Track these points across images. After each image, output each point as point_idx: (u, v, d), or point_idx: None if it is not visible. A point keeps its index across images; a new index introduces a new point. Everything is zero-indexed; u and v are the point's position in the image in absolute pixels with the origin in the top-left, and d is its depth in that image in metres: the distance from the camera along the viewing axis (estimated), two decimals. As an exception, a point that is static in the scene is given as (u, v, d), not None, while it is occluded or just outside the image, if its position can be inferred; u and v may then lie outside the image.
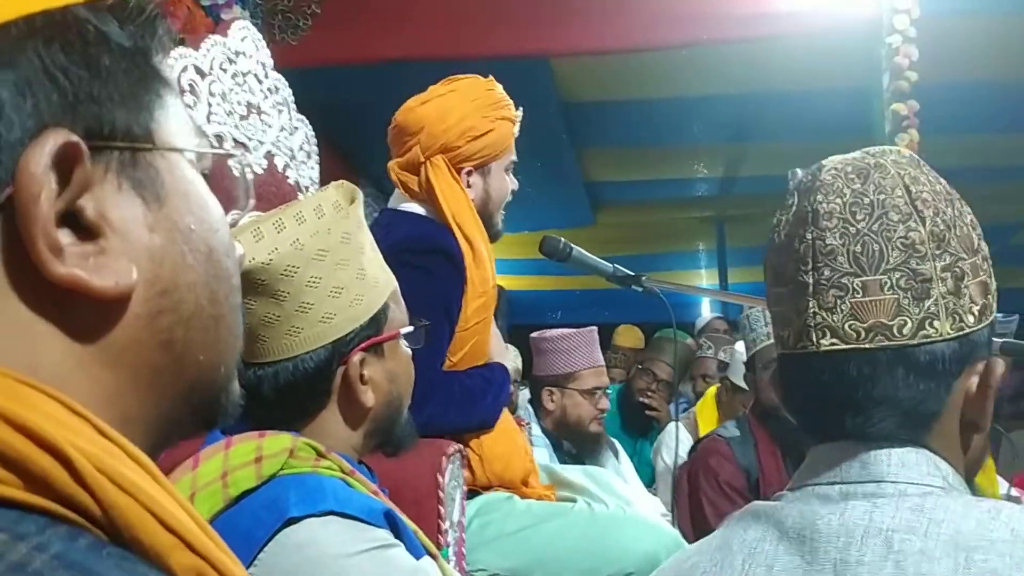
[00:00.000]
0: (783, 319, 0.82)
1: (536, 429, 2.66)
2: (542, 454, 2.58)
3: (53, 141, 0.40)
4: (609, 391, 2.89)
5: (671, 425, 3.15)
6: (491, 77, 1.94)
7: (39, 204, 0.39)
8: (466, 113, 1.86)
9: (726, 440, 2.60)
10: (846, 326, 0.77)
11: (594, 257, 1.82)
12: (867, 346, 0.76)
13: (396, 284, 1.19)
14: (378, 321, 1.13)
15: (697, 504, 2.55)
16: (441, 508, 1.46)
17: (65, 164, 0.40)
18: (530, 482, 1.86)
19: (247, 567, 0.93)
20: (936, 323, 0.77)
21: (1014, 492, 2.78)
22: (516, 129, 1.94)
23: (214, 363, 0.48)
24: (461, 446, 1.59)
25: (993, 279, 0.82)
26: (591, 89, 4.95)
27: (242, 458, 0.99)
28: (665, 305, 1.83)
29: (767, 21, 4.07)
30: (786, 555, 0.75)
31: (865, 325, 0.76)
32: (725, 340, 3.85)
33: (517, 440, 1.85)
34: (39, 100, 0.40)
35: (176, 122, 0.47)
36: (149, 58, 0.46)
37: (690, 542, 2.61)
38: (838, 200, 0.78)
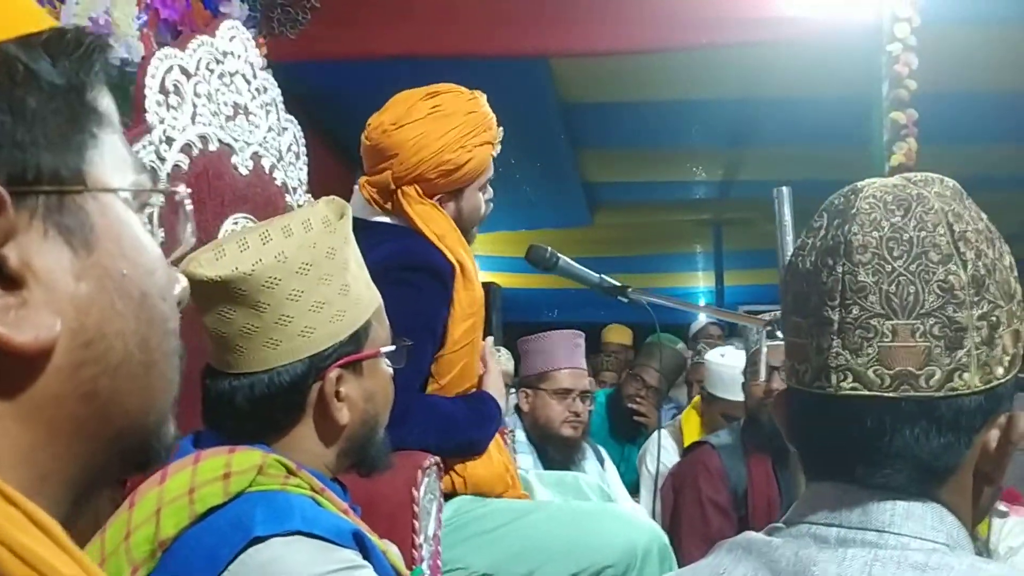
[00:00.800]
0: (800, 352, 0.76)
1: (520, 435, 2.64)
2: (526, 460, 2.57)
3: None
4: (595, 395, 2.86)
5: (657, 433, 3.14)
6: (475, 93, 1.87)
7: None
8: (443, 146, 1.78)
9: (717, 450, 2.56)
10: (870, 371, 0.71)
11: (580, 267, 1.81)
12: (891, 395, 0.71)
13: (380, 302, 1.18)
14: (359, 338, 1.12)
15: (676, 518, 2.54)
16: (416, 523, 1.44)
17: None
18: (507, 495, 1.84)
19: (211, 586, 0.92)
20: (965, 375, 0.71)
21: (1002, 507, 2.77)
22: (496, 148, 1.88)
23: (143, 410, 0.46)
24: (438, 459, 1.57)
25: None
26: (590, 90, 4.93)
27: (210, 474, 0.98)
28: (653, 315, 1.83)
29: (768, 26, 4.05)
30: None
31: (891, 372, 0.71)
32: (719, 345, 3.84)
33: (501, 461, 1.83)
34: None
35: (111, 160, 0.46)
36: (83, 95, 0.44)
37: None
38: (875, 233, 0.72)
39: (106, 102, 0.47)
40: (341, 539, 0.97)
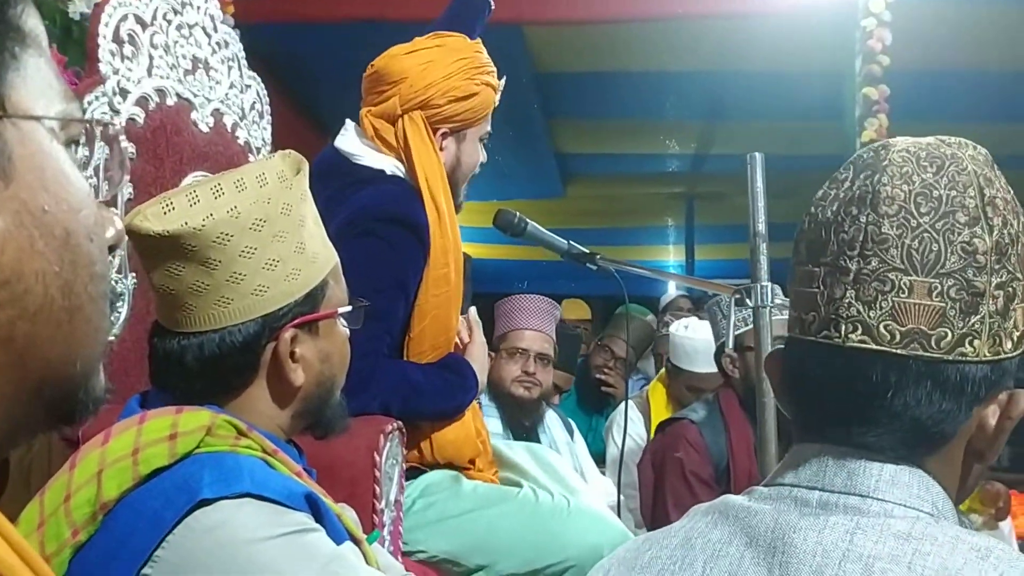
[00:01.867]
0: (809, 301, 0.74)
1: (484, 398, 2.59)
2: (494, 424, 2.53)
3: None
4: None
5: (623, 404, 3.13)
6: (479, 40, 1.85)
7: None
8: (451, 72, 1.76)
9: (696, 424, 2.52)
10: (882, 325, 0.69)
11: (549, 233, 1.78)
12: (900, 351, 0.69)
13: (337, 260, 1.14)
14: (314, 298, 1.08)
15: (660, 493, 2.50)
16: (377, 488, 1.41)
17: None
18: (478, 463, 1.81)
19: (154, 550, 0.88)
20: (976, 342, 0.69)
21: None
22: (497, 99, 1.85)
23: (67, 359, 0.43)
24: (400, 423, 1.54)
25: None
26: (565, 59, 4.89)
27: (156, 434, 0.94)
28: (621, 283, 1.80)
29: (744, -2, 4.03)
30: (752, 564, 0.70)
31: (903, 329, 0.69)
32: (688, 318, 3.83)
33: (471, 425, 1.79)
34: None
35: (36, 85, 0.42)
36: (4, 11, 0.40)
37: (648, 528, 2.61)
38: (904, 187, 0.70)
39: (33, 22, 0.42)
40: (292, 502, 0.94)
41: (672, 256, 9.94)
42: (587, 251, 1.77)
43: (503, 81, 1.86)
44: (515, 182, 6.34)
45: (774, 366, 0.80)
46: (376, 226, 1.63)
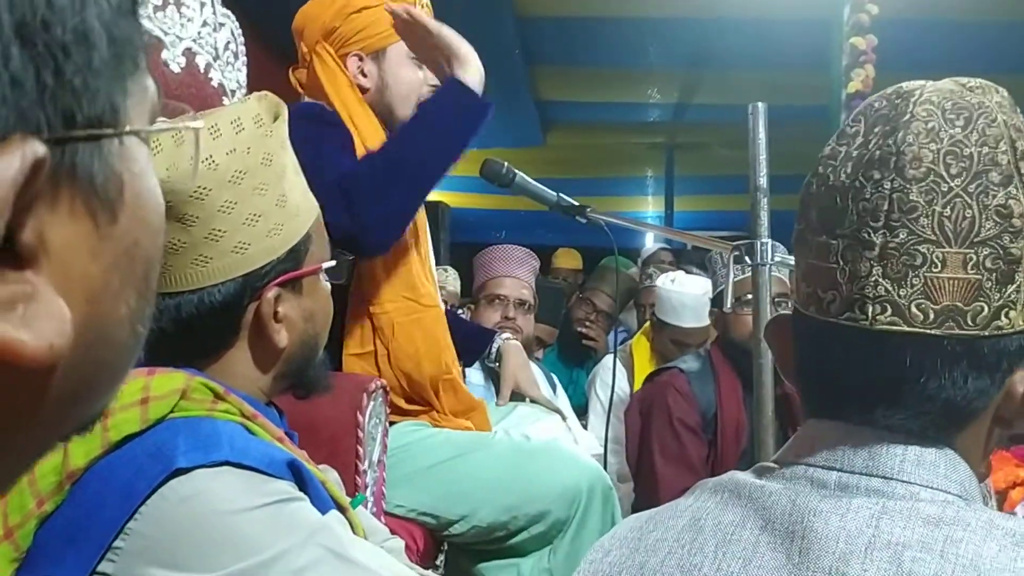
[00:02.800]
0: (826, 277, 0.67)
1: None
2: (476, 375, 2.50)
3: (21, 159, 0.28)
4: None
5: (607, 358, 3.11)
6: None
7: None
8: None
9: (685, 374, 2.51)
10: (914, 305, 0.63)
11: (538, 184, 1.71)
12: (934, 332, 0.63)
13: (319, 212, 1.07)
14: (297, 254, 1.01)
15: (646, 441, 2.49)
16: (360, 448, 1.37)
17: (24, 186, 0.28)
18: (446, 403, 1.73)
19: (125, 522, 0.83)
20: (1012, 313, 0.63)
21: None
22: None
23: (110, 394, 0.37)
24: (384, 381, 1.48)
25: None
26: (547, 4, 4.78)
27: (126, 398, 0.88)
28: (611, 237, 1.75)
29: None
30: (768, 550, 0.64)
31: (937, 307, 0.63)
32: (670, 271, 3.80)
33: (433, 334, 1.71)
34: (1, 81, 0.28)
35: (139, 90, 0.35)
36: (135, 13, 0.33)
37: (633, 473, 2.61)
38: (932, 145, 0.62)
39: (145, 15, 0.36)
40: (274, 469, 0.89)
41: (651, 207, 9.90)
42: (575, 203, 1.71)
43: (426, 4, 1.78)
44: (494, 129, 6.21)
45: (778, 336, 0.74)
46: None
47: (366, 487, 1.40)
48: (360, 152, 1.65)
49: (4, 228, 0.28)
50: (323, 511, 0.93)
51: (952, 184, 0.62)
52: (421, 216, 1.79)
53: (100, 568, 0.83)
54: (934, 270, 0.63)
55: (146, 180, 0.35)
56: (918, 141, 0.63)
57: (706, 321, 2.81)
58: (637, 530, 0.73)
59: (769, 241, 1.36)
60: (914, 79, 0.70)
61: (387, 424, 1.51)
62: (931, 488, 0.64)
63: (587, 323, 3.62)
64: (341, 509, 0.97)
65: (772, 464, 0.71)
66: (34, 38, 0.28)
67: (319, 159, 1.43)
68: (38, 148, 0.28)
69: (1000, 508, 2.37)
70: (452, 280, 3.67)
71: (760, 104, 1.37)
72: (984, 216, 0.62)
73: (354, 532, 0.97)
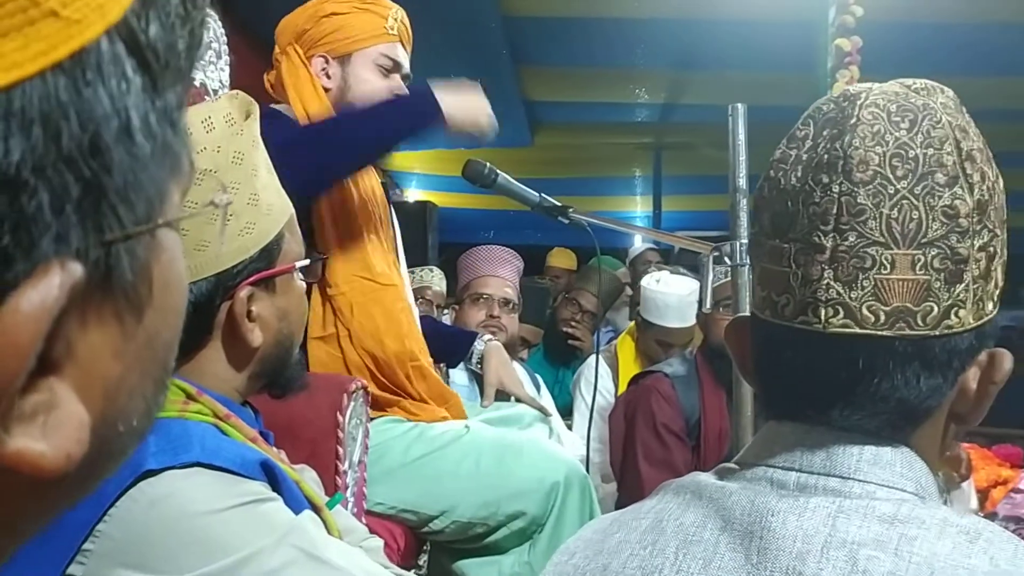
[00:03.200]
0: (780, 281, 0.68)
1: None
2: (460, 375, 2.50)
3: (60, 287, 0.27)
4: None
5: (592, 357, 3.11)
6: None
7: (9, 368, 0.26)
8: (318, 2, 1.78)
9: (669, 379, 2.51)
10: (865, 307, 0.63)
11: (520, 185, 1.72)
12: (885, 333, 0.63)
13: (292, 211, 1.06)
14: (270, 252, 1.01)
15: (630, 444, 2.49)
16: (340, 449, 1.36)
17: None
18: (419, 390, 1.74)
19: (95, 524, 0.82)
20: (961, 312, 0.64)
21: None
22: (391, 26, 1.79)
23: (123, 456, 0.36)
24: (364, 382, 1.48)
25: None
26: (534, 4, 4.77)
27: (98, 399, 0.87)
28: (594, 237, 1.76)
29: (718, -56, 3.95)
30: (728, 551, 0.65)
31: (887, 308, 0.63)
32: (658, 271, 3.81)
33: (392, 312, 1.72)
34: (44, 211, 0.26)
35: (179, 180, 0.33)
36: (182, 104, 0.32)
37: (617, 476, 2.61)
38: (878, 148, 0.63)
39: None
40: (246, 470, 0.88)
41: (639, 207, 9.90)
42: (559, 204, 1.71)
43: (397, 12, 1.81)
44: (482, 130, 6.24)
45: (736, 338, 0.75)
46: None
47: (346, 488, 1.39)
48: None
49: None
50: (297, 511, 0.92)
51: (899, 186, 0.63)
52: (377, 198, 1.79)
53: (69, 570, 0.82)
54: (883, 272, 0.63)
55: (174, 267, 0.33)
56: (864, 144, 0.64)
57: (691, 321, 2.81)
58: (601, 532, 0.74)
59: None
60: (896, 79, 0.71)
61: (368, 425, 1.51)
62: (887, 487, 0.65)
63: (572, 323, 3.62)
64: (316, 509, 0.97)
65: (733, 465, 0.71)
66: (79, 163, 0.27)
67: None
68: (76, 270, 0.27)
69: (982, 507, 2.38)
70: (438, 280, 3.67)
71: (740, 105, 1.38)
72: (931, 217, 0.63)
73: (329, 532, 0.97)
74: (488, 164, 1.72)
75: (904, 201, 0.63)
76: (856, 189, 0.63)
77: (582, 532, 0.76)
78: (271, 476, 0.92)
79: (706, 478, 0.71)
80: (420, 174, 7.60)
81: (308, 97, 1.72)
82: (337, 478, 1.36)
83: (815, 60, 3.97)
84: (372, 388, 1.66)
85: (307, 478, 1.07)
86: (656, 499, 0.73)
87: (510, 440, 1.74)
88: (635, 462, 2.44)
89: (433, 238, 6.41)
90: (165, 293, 0.33)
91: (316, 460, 1.30)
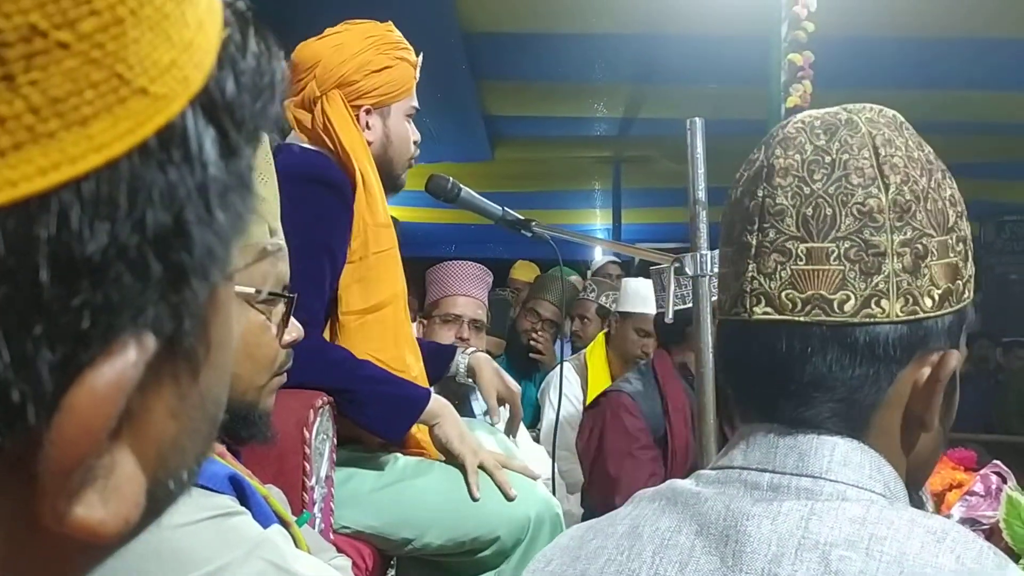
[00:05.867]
0: (724, 282, 0.75)
1: None
2: None
3: (135, 365, 0.26)
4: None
5: (558, 368, 3.13)
6: (390, 22, 1.84)
7: (82, 448, 0.26)
8: (363, 48, 1.76)
9: (630, 395, 2.52)
10: (783, 295, 0.69)
11: (483, 199, 1.73)
12: (801, 319, 0.68)
13: (283, 244, 1.06)
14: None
15: (600, 456, 2.49)
16: (307, 464, 1.36)
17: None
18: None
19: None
20: (884, 302, 0.68)
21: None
22: (416, 74, 1.84)
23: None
24: (330, 398, 1.48)
25: (970, 264, 0.73)
26: (493, 20, 4.80)
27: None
28: (556, 250, 1.78)
29: (672, -40, 4.01)
30: (703, 554, 0.67)
31: (803, 296, 0.68)
32: (610, 286, 3.85)
33: (393, 340, 1.73)
34: (125, 294, 0.26)
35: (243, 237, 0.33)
36: (252, 163, 0.32)
37: (589, 493, 2.61)
38: (797, 156, 0.70)
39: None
40: (215, 484, 0.89)
41: (599, 220, 9.98)
42: (521, 218, 1.73)
43: (420, 58, 1.85)
44: (443, 144, 6.25)
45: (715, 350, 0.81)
46: (293, 188, 1.56)
47: (313, 503, 1.39)
48: (361, 203, 1.69)
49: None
50: (265, 526, 0.93)
51: (814, 187, 0.69)
52: (403, 282, 1.79)
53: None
54: (800, 263, 0.69)
55: (229, 324, 0.33)
56: (786, 153, 0.70)
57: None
58: (578, 539, 0.75)
59: (709, 253, 1.39)
60: (850, 94, 0.77)
61: (335, 440, 1.51)
62: (857, 487, 0.67)
63: (533, 334, 3.63)
64: (284, 524, 0.97)
65: (708, 471, 0.73)
66: (163, 246, 0.26)
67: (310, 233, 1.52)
68: (151, 344, 0.27)
69: (937, 510, 2.43)
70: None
71: (698, 119, 1.41)
72: (844, 213, 0.68)
73: (297, 547, 0.97)
74: (451, 178, 1.73)
75: (819, 200, 0.69)
76: (776, 192, 0.70)
77: (558, 540, 0.78)
78: (239, 490, 0.92)
79: (681, 484, 0.74)
80: (380, 189, 7.58)
81: (354, 143, 1.72)
82: (304, 494, 1.36)
83: (769, 74, 4.04)
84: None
85: (276, 498, 1.07)
86: (632, 506, 0.76)
87: (481, 473, 1.72)
88: (606, 474, 2.45)
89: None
90: (220, 351, 0.32)
91: (283, 476, 1.30)
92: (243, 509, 0.91)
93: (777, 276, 0.69)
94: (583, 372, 3.15)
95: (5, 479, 0.26)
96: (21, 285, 0.24)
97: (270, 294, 1.02)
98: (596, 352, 3.20)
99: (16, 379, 0.24)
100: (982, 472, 2.06)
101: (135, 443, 0.29)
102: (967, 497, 2.45)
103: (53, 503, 0.26)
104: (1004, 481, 1.94)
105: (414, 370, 1.79)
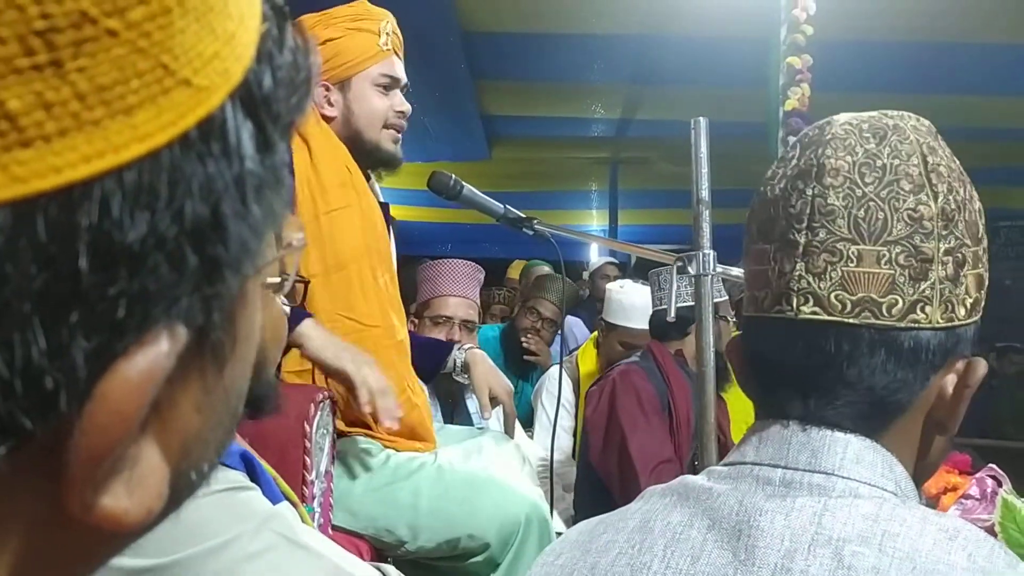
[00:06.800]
0: (761, 279, 0.74)
1: None
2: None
3: (167, 355, 0.27)
4: (482, 329, 2.78)
5: (554, 369, 3.13)
6: (367, 2, 1.83)
7: (113, 436, 0.26)
8: (311, 26, 1.74)
9: (637, 365, 2.58)
10: (832, 296, 0.69)
11: (485, 196, 1.73)
12: (851, 321, 0.69)
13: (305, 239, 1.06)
14: None
15: (614, 425, 2.49)
16: (307, 458, 1.36)
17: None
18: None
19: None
20: (928, 309, 0.69)
21: None
22: (384, 42, 1.80)
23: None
24: (331, 391, 1.48)
25: (988, 274, 0.75)
26: (492, 19, 4.80)
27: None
28: (558, 249, 1.77)
29: (673, -38, 4.01)
30: (715, 548, 0.68)
31: (853, 298, 0.69)
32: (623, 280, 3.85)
33: (374, 354, 1.66)
34: (162, 285, 0.26)
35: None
36: (287, 158, 0.32)
37: (602, 460, 2.61)
38: (848, 158, 0.70)
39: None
40: (227, 459, 0.89)
41: (595, 221, 9.99)
42: (523, 216, 1.73)
43: (388, 23, 1.81)
44: (440, 143, 6.26)
45: (734, 352, 0.79)
46: None
47: (313, 498, 1.39)
48: (303, 164, 1.66)
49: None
50: (274, 503, 0.93)
51: (866, 190, 0.69)
52: (378, 231, 1.79)
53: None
54: (851, 264, 0.69)
55: (255, 318, 0.33)
56: (836, 155, 0.70)
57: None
58: (587, 533, 0.75)
59: (711, 252, 1.39)
60: (848, 97, 0.77)
61: (335, 434, 1.51)
62: (869, 485, 0.68)
63: (529, 334, 3.63)
64: (292, 504, 0.98)
65: (720, 467, 0.74)
66: (200, 237, 0.27)
67: None
68: (182, 335, 0.27)
69: (933, 513, 2.45)
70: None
71: (702, 119, 1.41)
72: (896, 218, 0.69)
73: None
74: (453, 176, 1.73)
75: (871, 203, 0.69)
76: (827, 192, 0.69)
77: (568, 534, 0.79)
78: (250, 468, 0.93)
79: (693, 480, 0.74)
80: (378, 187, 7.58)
81: (309, 131, 1.70)
82: (304, 488, 1.36)
83: (767, 77, 4.05)
84: (339, 423, 1.65)
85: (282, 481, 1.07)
86: (642, 501, 0.76)
87: (474, 476, 1.72)
88: (622, 438, 2.44)
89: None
90: (245, 344, 0.32)
91: (284, 470, 1.30)
92: (253, 485, 0.92)
93: (827, 276, 0.69)
94: (575, 374, 3.14)
95: (34, 468, 0.26)
96: (60, 272, 0.24)
97: (294, 281, 1.05)
98: (588, 353, 3.20)
99: (50, 366, 0.24)
100: (977, 476, 2.07)
101: (161, 435, 0.29)
102: (963, 500, 2.46)
103: (81, 492, 0.26)
104: (999, 485, 1.95)
105: (400, 333, 1.77)
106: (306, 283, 1.08)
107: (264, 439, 1.30)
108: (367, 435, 1.70)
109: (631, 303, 2.89)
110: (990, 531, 1.77)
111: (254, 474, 0.94)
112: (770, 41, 4.02)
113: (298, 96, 0.31)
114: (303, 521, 0.98)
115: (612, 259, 5.26)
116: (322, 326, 1.57)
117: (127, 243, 0.25)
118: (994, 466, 2.04)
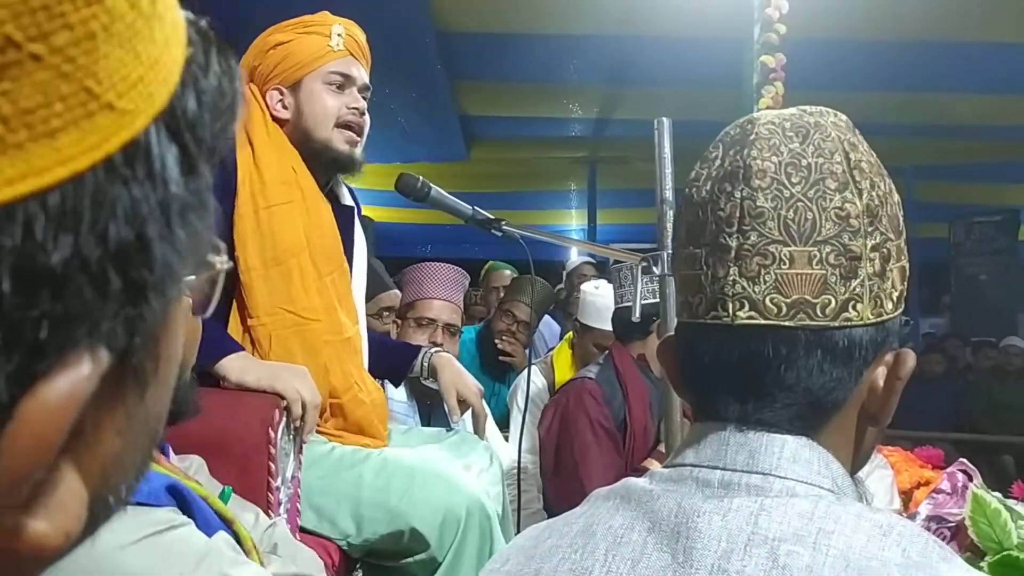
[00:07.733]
0: (694, 284, 0.73)
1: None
2: (399, 392, 2.46)
3: (88, 379, 0.26)
4: (464, 331, 2.77)
5: (526, 371, 3.12)
6: (325, 12, 1.84)
7: (33, 458, 0.26)
8: (266, 34, 1.81)
9: (593, 380, 2.57)
10: (768, 299, 0.68)
11: (453, 198, 1.72)
12: (787, 323, 0.68)
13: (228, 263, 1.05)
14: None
15: (567, 447, 2.50)
16: (272, 465, 1.35)
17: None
18: (330, 416, 1.72)
19: None
20: (859, 306, 0.69)
21: None
22: (336, 43, 1.82)
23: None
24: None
25: (909, 265, 0.74)
26: (468, 20, 4.80)
27: None
28: (526, 249, 1.77)
29: (647, -38, 4.03)
30: (655, 551, 0.67)
31: (788, 300, 0.68)
32: (598, 280, 3.85)
33: (314, 346, 1.69)
34: (84, 307, 0.26)
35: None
36: (211, 181, 0.32)
37: (552, 480, 2.62)
38: (774, 158, 0.70)
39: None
40: (153, 498, 0.87)
41: (574, 220, 10.01)
42: (491, 217, 1.73)
43: (338, 25, 1.83)
44: (418, 144, 6.25)
45: (666, 354, 0.79)
46: None
47: (279, 504, 1.38)
48: (247, 166, 1.68)
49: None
50: (210, 532, 0.91)
51: (793, 191, 0.69)
52: (324, 227, 1.78)
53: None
54: (783, 267, 0.69)
55: (177, 339, 0.33)
56: (762, 155, 0.70)
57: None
58: (533, 539, 0.76)
59: (677, 252, 1.39)
60: (821, 95, 0.77)
61: (303, 437, 1.50)
62: (806, 483, 0.68)
63: (505, 336, 3.62)
64: (228, 522, 0.96)
65: (662, 469, 0.74)
66: (124, 260, 0.27)
67: None
68: (104, 357, 0.27)
69: (905, 507, 2.46)
70: (395, 298, 3.64)
71: (665, 119, 1.41)
72: (824, 217, 0.69)
73: (241, 545, 0.96)
74: (421, 177, 1.73)
75: (799, 203, 0.69)
76: (756, 194, 0.69)
77: (516, 540, 0.78)
78: (180, 499, 0.91)
79: (635, 482, 0.74)
80: (356, 188, 7.57)
81: (254, 125, 1.72)
82: (269, 495, 1.35)
83: (742, 76, 4.07)
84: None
85: (195, 465, 1.04)
86: (587, 505, 0.76)
87: (417, 467, 1.71)
88: (572, 462, 2.45)
89: (369, 253, 6.38)
90: (167, 366, 0.32)
91: (249, 477, 1.29)
92: (186, 519, 0.89)
93: (761, 280, 0.69)
94: (549, 375, 3.14)
95: None
96: None
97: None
98: (563, 353, 3.20)
99: None
100: (949, 470, 2.09)
101: (81, 458, 0.28)
102: (934, 495, 2.48)
103: None
104: (970, 479, 1.97)
105: (348, 330, 1.77)
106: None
107: (227, 447, 1.29)
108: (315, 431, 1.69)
109: (605, 305, 2.89)
110: (961, 526, 1.79)
111: (185, 504, 0.92)
112: (744, 40, 4.04)
113: (223, 121, 0.31)
114: (240, 539, 0.96)
115: (589, 259, 5.26)
116: (247, 356, 1.56)
117: (50, 265, 0.25)
118: (965, 461, 2.05)
